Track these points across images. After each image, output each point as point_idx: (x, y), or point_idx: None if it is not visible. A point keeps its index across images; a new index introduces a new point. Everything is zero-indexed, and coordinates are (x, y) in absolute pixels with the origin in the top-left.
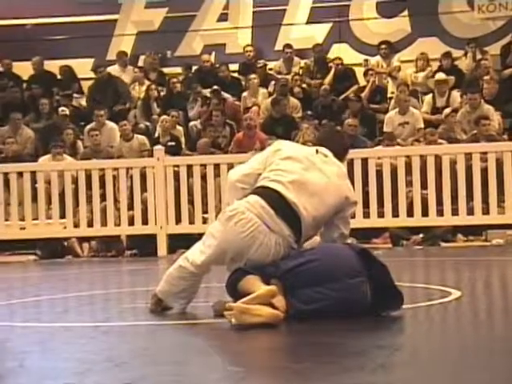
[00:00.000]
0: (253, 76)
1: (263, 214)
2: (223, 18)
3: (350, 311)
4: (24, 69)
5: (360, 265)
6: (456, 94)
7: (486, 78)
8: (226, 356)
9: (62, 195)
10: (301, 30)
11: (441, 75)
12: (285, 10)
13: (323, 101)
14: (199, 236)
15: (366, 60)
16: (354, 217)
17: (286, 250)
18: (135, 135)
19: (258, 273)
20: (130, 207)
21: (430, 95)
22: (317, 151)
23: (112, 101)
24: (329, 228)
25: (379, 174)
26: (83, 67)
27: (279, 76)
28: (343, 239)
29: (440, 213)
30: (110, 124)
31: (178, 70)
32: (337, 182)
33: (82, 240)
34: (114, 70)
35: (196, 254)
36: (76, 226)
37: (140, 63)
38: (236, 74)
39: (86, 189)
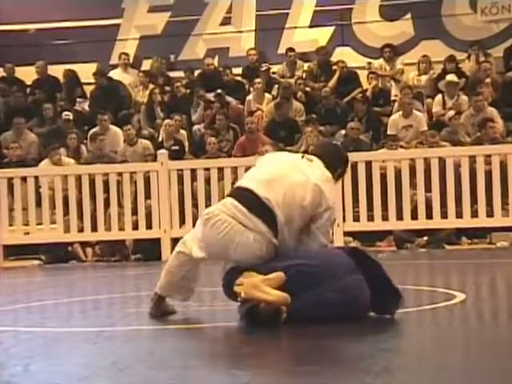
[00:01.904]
0: (257, 80)
1: (236, 214)
2: (226, 21)
3: (351, 309)
4: (28, 73)
5: (353, 263)
6: (464, 97)
7: (487, 80)
8: (231, 360)
9: (65, 200)
10: (304, 34)
11: (451, 77)
12: (288, 13)
13: (326, 104)
14: None
15: (370, 63)
16: (358, 220)
17: (267, 247)
18: (139, 139)
19: (255, 269)
20: (134, 211)
21: (440, 96)
22: (302, 156)
23: (115, 106)
24: (308, 238)
25: (383, 177)
26: (86, 72)
27: (282, 79)
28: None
29: (444, 215)
30: (114, 129)
31: (182, 73)
32: (317, 183)
33: (85, 245)
34: (116, 73)
35: (194, 246)
36: (80, 230)
37: (143, 67)
38: (239, 78)
39: (90, 193)
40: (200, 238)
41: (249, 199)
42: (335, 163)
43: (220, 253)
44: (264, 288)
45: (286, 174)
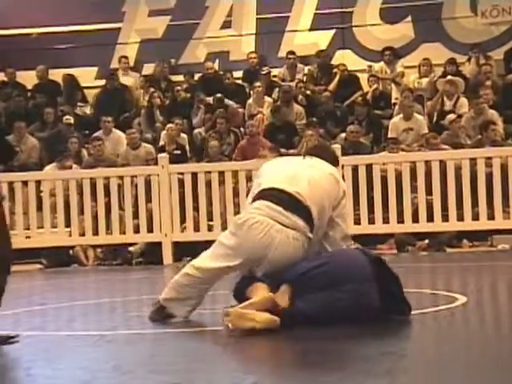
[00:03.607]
0: (258, 84)
1: (272, 213)
2: (227, 25)
3: (359, 315)
4: (28, 78)
5: (372, 271)
6: (464, 99)
7: (487, 83)
8: (233, 363)
9: (67, 204)
10: (304, 37)
11: (450, 78)
12: (288, 16)
13: (326, 107)
14: (205, 243)
15: (370, 66)
16: (359, 223)
17: (304, 245)
18: (142, 144)
19: (267, 280)
20: (135, 215)
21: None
22: (304, 157)
23: (119, 109)
24: (331, 228)
25: (384, 179)
26: (87, 76)
27: (283, 83)
28: (347, 239)
29: (445, 218)
30: (117, 132)
31: (182, 77)
32: (331, 172)
33: (86, 248)
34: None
35: (206, 261)
36: (81, 234)
37: (144, 71)
38: (240, 81)
39: (91, 197)
40: (231, 246)
41: (280, 198)
42: (330, 161)
43: (258, 254)
44: (250, 315)
45: (301, 171)
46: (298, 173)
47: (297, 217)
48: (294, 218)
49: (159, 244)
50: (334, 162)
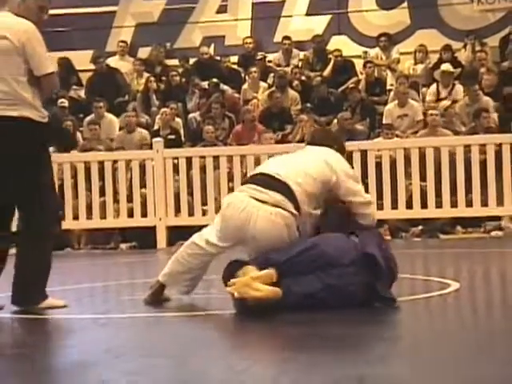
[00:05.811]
0: (253, 69)
1: (252, 191)
2: (222, 9)
3: (350, 300)
4: None
5: (360, 255)
6: (459, 86)
7: (482, 70)
8: (227, 347)
9: (60, 187)
10: (300, 22)
11: (446, 66)
12: (284, 1)
13: (319, 93)
14: (199, 228)
15: (366, 52)
16: None
17: (287, 222)
18: (138, 128)
19: (255, 263)
20: (130, 199)
21: (435, 85)
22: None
23: (112, 93)
24: (353, 210)
25: (378, 166)
26: (82, 59)
27: (278, 68)
28: (368, 206)
29: (439, 205)
30: (110, 116)
31: (177, 62)
32: (325, 158)
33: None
34: (112, 60)
35: (211, 234)
36: (75, 218)
37: (139, 55)
38: (235, 66)
39: (85, 181)
40: (220, 228)
41: (262, 180)
42: (327, 143)
43: (240, 231)
44: (255, 285)
45: (291, 156)
46: (287, 160)
47: (277, 193)
48: (272, 193)
49: (153, 228)
50: (328, 144)
